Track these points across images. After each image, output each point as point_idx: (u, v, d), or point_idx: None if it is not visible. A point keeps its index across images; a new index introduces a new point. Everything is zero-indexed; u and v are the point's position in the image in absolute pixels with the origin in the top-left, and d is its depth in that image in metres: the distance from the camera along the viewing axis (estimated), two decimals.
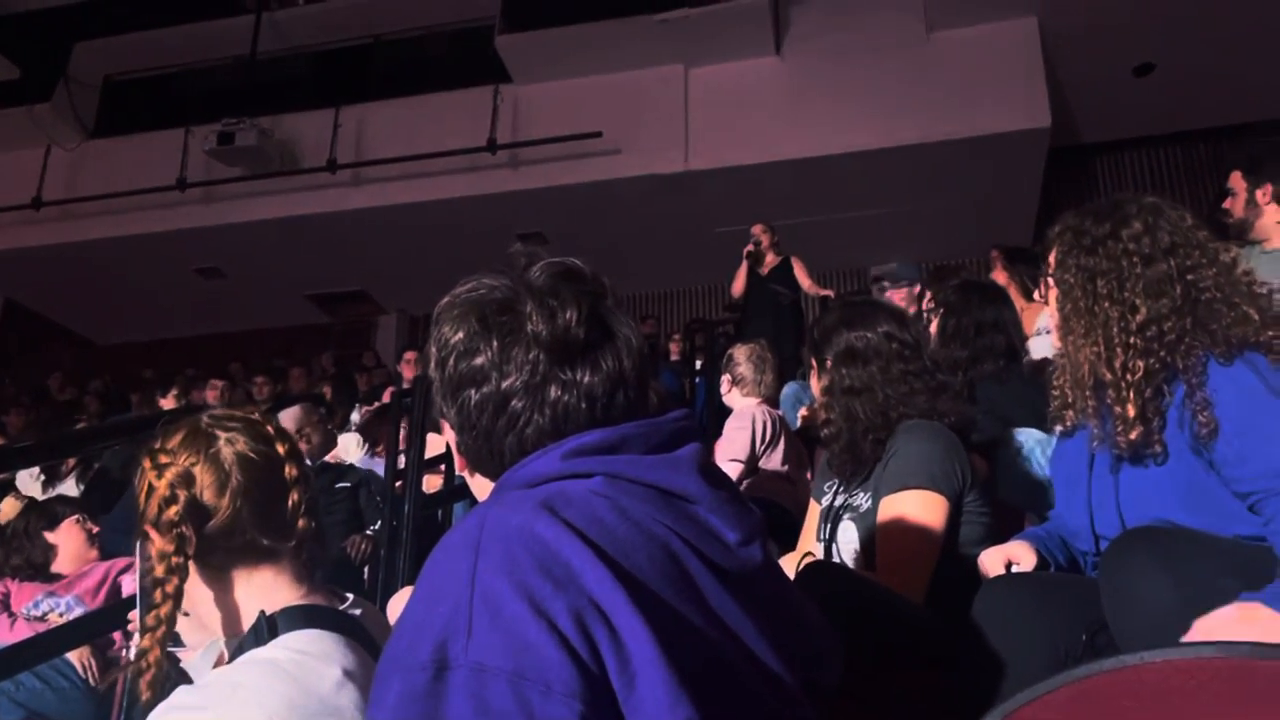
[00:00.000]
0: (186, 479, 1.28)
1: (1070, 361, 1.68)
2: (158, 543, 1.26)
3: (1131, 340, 1.57)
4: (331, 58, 10.35)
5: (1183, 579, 1.31)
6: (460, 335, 0.98)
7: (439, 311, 1.02)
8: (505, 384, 0.96)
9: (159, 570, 1.25)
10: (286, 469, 1.34)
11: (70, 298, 11.10)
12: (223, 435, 1.32)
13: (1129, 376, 1.56)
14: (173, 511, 1.25)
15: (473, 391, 0.97)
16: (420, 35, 10.06)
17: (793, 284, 6.74)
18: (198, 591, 1.30)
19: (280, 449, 1.35)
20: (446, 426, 1.04)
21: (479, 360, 0.97)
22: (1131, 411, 1.55)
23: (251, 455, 1.31)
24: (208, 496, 1.28)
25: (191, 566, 1.26)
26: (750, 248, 6.79)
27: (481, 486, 1.04)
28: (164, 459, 1.30)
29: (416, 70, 9.97)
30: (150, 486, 1.28)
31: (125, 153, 9.88)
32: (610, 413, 0.97)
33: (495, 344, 0.96)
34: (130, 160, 9.68)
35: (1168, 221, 1.67)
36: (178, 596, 1.24)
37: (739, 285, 6.85)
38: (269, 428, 1.36)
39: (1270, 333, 1.55)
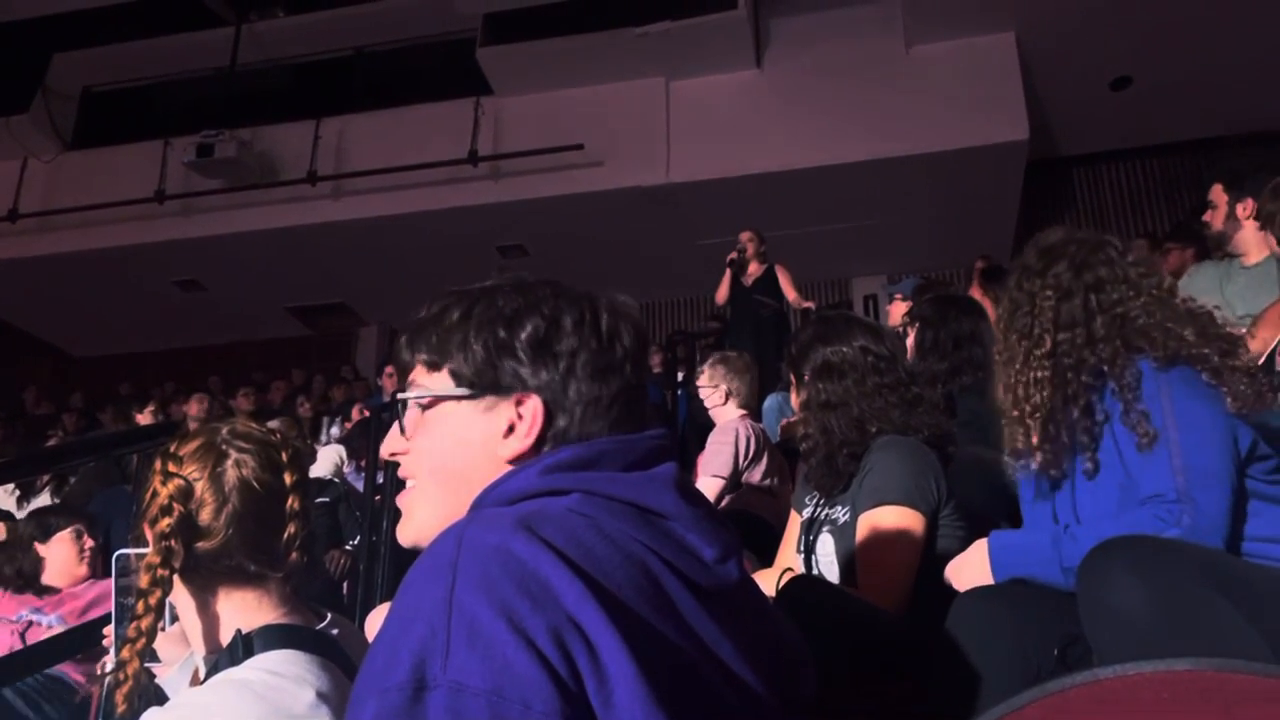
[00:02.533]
0: (186, 493, 1.27)
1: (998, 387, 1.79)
2: (149, 549, 1.26)
3: (1034, 373, 1.69)
4: (312, 69, 10.32)
5: (1159, 589, 1.32)
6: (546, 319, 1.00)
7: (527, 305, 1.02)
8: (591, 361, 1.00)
9: (143, 581, 1.24)
10: (289, 501, 1.33)
11: (47, 310, 10.99)
12: (233, 455, 1.30)
13: (1027, 406, 1.68)
14: (165, 524, 1.24)
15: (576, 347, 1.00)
16: (401, 47, 10.03)
17: (777, 293, 6.69)
18: (179, 603, 1.30)
19: (288, 479, 1.33)
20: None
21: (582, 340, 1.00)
22: (1035, 438, 1.68)
23: (255, 484, 1.30)
24: (203, 516, 1.27)
25: (176, 579, 1.25)
26: (734, 255, 6.74)
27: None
28: (172, 466, 1.29)
29: (397, 82, 9.95)
30: (155, 491, 1.28)
31: (103, 164, 9.80)
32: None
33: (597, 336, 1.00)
34: (108, 172, 9.61)
35: (1103, 258, 1.77)
36: (160, 609, 1.24)
37: (722, 294, 6.83)
38: (284, 454, 1.35)
39: (1206, 349, 1.63)
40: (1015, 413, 1.71)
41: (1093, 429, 1.67)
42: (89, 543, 3.47)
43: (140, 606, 1.23)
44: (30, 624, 3.22)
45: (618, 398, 1.00)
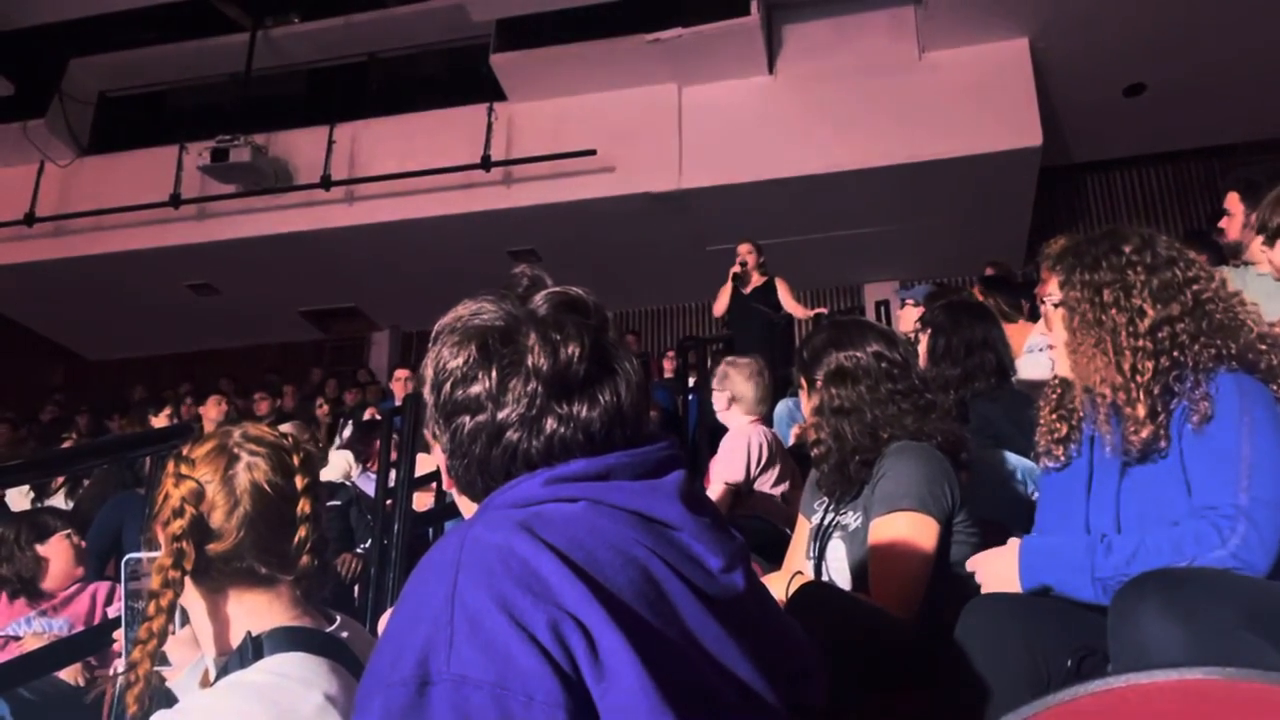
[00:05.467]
0: (198, 496, 1.28)
1: (1080, 374, 1.70)
2: (160, 551, 1.26)
3: (1140, 343, 1.61)
4: (326, 75, 10.38)
5: (1196, 632, 1.25)
6: (459, 362, 0.98)
7: (438, 332, 1.02)
8: (501, 415, 0.95)
9: (155, 582, 1.25)
10: (300, 504, 1.33)
11: (62, 314, 11.06)
12: (244, 459, 1.31)
13: (1139, 378, 1.59)
14: (177, 525, 1.25)
15: (467, 419, 0.97)
16: (415, 53, 10.09)
17: (775, 304, 6.69)
18: (190, 605, 1.30)
19: (299, 482, 1.33)
20: (437, 448, 1.04)
21: (476, 389, 0.96)
22: (1142, 411, 1.58)
23: (266, 487, 1.30)
24: (215, 518, 1.28)
25: (187, 581, 1.26)
26: (737, 269, 6.73)
27: (469, 507, 1.04)
28: (184, 469, 1.30)
29: (411, 88, 10.01)
30: (167, 493, 1.29)
31: (119, 169, 9.87)
32: (609, 446, 0.97)
33: (494, 374, 0.96)
34: (124, 176, 9.68)
35: (1163, 241, 1.72)
36: (171, 610, 1.25)
37: (721, 305, 6.81)
38: (295, 458, 1.35)
39: (1263, 346, 1.60)
40: (1119, 379, 1.60)
41: (1170, 406, 1.59)
42: (80, 543, 3.46)
43: (152, 608, 1.24)
44: (7, 640, 3.19)
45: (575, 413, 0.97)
